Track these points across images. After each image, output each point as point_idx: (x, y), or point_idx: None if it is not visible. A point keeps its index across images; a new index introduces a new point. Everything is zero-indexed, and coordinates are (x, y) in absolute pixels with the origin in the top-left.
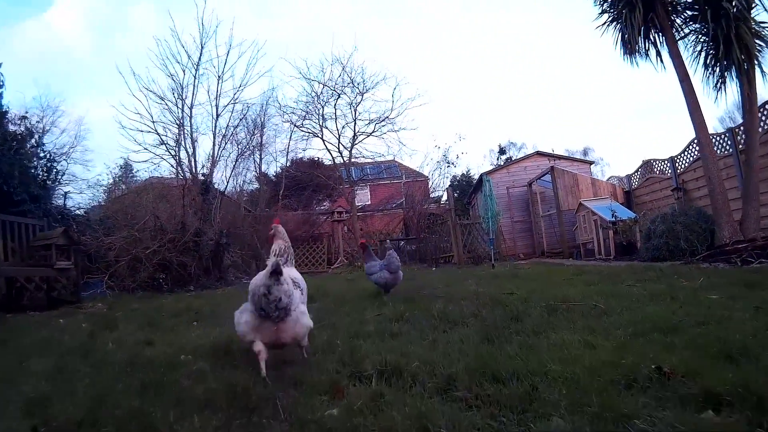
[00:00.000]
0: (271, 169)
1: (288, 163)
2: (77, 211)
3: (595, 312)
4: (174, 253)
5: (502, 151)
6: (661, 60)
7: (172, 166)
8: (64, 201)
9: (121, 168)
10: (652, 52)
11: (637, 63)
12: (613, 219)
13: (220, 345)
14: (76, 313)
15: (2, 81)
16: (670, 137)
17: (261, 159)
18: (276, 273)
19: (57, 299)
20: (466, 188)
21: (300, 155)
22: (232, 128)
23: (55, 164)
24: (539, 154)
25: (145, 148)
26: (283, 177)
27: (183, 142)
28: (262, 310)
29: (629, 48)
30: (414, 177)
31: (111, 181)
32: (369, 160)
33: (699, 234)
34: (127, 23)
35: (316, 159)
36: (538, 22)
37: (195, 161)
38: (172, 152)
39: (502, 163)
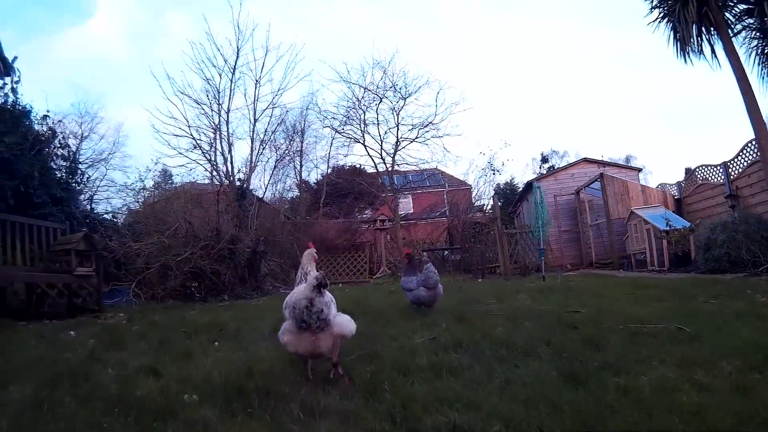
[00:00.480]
0: (312, 176)
1: (329, 170)
2: (105, 216)
3: (683, 337)
4: (207, 261)
5: (544, 160)
6: (716, 57)
7: (207, 170)
8: (90, 204)
9: (160, 174)
10: (707, 49)
11: (691, 61)
12: (668, 228)
13: (236, 380)
14: (91, 324)
15: (18, 76)
16: (713, 145)
17: (301, 166)
18: (320, 287)
19: (79, 307)
20: (510, 197)
21: (341, 162)
22: (270, 133)
23: (79, 165)
24: (586, 161)
25: (179, 153)
26: (324, 184)
27: (219, 147)
28: (303, 322)
29: (683, 44)
30: (457, 185)
31: (141, 185)
32: (412, 168)
33: (761, 243)
34: (166, 30)
35: (358, 166)
36: (580, 29)
37: (232, 166)
38: (208, 156)
39: (545, 172)
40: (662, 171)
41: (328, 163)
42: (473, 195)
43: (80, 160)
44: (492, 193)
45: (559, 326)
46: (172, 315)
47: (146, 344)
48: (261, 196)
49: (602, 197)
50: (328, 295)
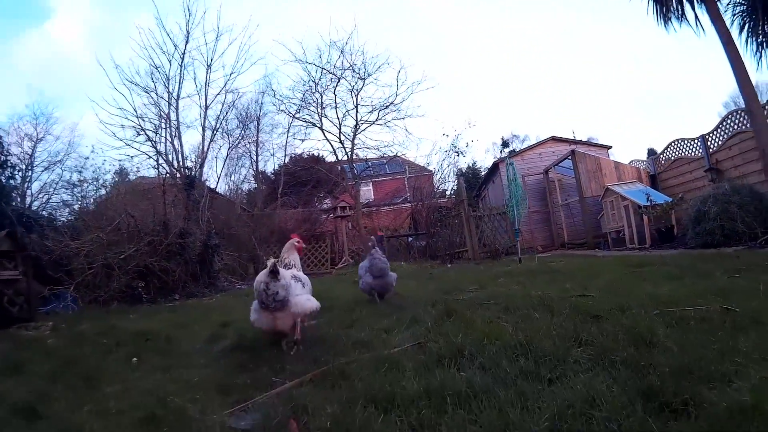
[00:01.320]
0: (269, 166)
1: (286, 159)
2: (44, 213)
3: (740, 321)
4: (155, 258)
5: (505, 144)
6: (700, 23)
7: (152, 158)
8: (23, 201)
9: (115, 173)
10: (690, 13)
11: (673, 27)
12: (649, 203)
13: (144, 419)
14: (7, 337)
15: None
16: (676, 128)
17: (257, 156)
18: (273, 273)
19: (13, 317)
20: (473, 181)
21: (299, 150)
22: (222, 120)
23: (9, 158)
24: (555, 139)
25: (126, 143)
26: (281, 174)
27: (167, 136)
28: (262, 303)
29: (664, 8)
30: (419, 171)
31: (91, 183)
32: (372, 155)
33: (755, 215)
34: (127, 29)
35: (317, 154)
36: (550, 7)
37: (181, 155)
38: (154, 145)
39: (506, 156)
40: (627, 153)
41: (285, 151)
42: (436, 179)
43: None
44: (455, 173)
45: (578, 316)
46: (104, 322)
47: (48, 367)
48: (214, 187)
49: (574, 175)
50: (286, 279)
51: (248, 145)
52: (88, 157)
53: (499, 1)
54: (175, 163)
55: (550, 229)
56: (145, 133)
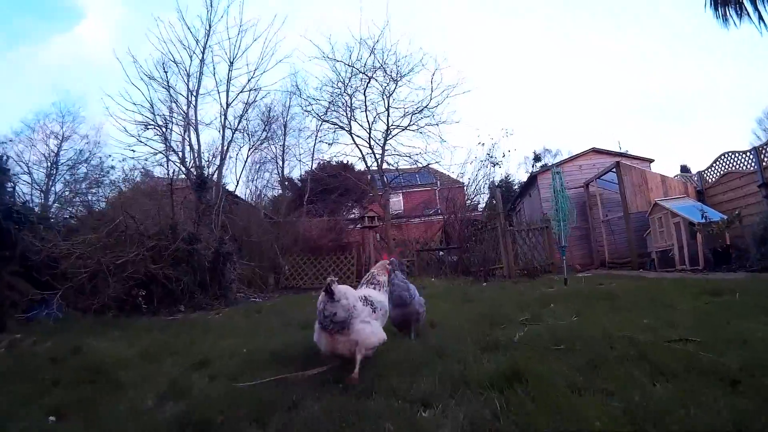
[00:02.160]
0: (295, 173)
1: (314, 166)
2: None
3: None
4: (159, 265)
5: (537, 158)
6: (762, 20)
7: (158, 153)
8: (46, 199)
9: (138, 172)
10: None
11: (734, 22)
12: (703, 220)
13: None
14: None
15: None
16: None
17: (283, 162)
18: (327, 293)
19: None
20: (507, 195)
21: (326, 156)
22: (245, 120)
23: None
24: (595, 151)
25: (139, 140)
26: (308, 180)
27: (186, 136)
28: (320, 323)
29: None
30: (450, 184)
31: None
32: (404, 163)
33: None
34: (152, 29)
35: (346, 162)
36: (589, 20)
37: (198, 155)
38: (167, 142)
39: (547, 165)
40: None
41: (312, 157)
42: (469, 191)
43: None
44: (488, 186)
45: (706, 381)
46: (75, 340)
47: None
48: (233, 190)
49: (618, 189)
50: (349, 300)
51: (273, 149)
52: (101, 156)
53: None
54: (189, 162)
55: (589, 246)
56: (156, 127)
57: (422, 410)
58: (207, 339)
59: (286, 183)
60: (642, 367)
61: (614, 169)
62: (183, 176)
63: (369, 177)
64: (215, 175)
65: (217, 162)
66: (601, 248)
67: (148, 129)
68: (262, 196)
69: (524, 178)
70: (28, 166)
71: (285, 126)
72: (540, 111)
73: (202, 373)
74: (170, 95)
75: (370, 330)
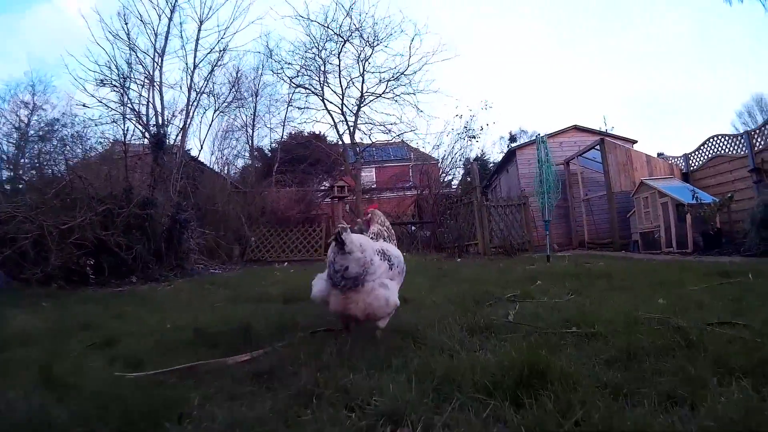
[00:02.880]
0: (266, 142)
1: (285, 136)
2: None
3: None
4: (111, 231)
5: (513, 139)
6: None
7: (110, 109)
8: (16, 171)
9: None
10: None
11: None
12: (695, 202)
13: None
14: None
15: None
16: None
17: (254, 130)
18: (338, 242)
19: None
20: (482, 172)
21: (297, 123)
22: (210, 81)
23: None
24: (577, 128)
25: (100, 101)
26: (278, 150)
27: (144, 93)
28: (330, 278)
29: None
30: (424, 159)
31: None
32: (377, 134)
33: None
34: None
35: (318, 132)
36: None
37: (162, 117)
38: (125, 101)
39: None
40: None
41: (283, 126)
42: (444, 166)
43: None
44: (462, 163)
45: None
46: None
47: None
48: (197, 156)
49: (602, 168)
50: (366, 253)
51: (243, 117)
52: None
53: None
54: (153, 122)
55: (568, 225)
56: (112, 84)
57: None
58: (138, 312)
59: (256, 153)
60: (695, 359)
61: (597, 147)
62: (141, 138)
63: (342, 150)
64: (178, 138)
65: (178, 123)
66: (580, 228)
67: (104, 85)
68: (230, 164)
69: (499, 158)
70: None
71: (256, 94)
72: (520, 89)
73: (102, 355)
74: (134, 54)
75: (386, 291)
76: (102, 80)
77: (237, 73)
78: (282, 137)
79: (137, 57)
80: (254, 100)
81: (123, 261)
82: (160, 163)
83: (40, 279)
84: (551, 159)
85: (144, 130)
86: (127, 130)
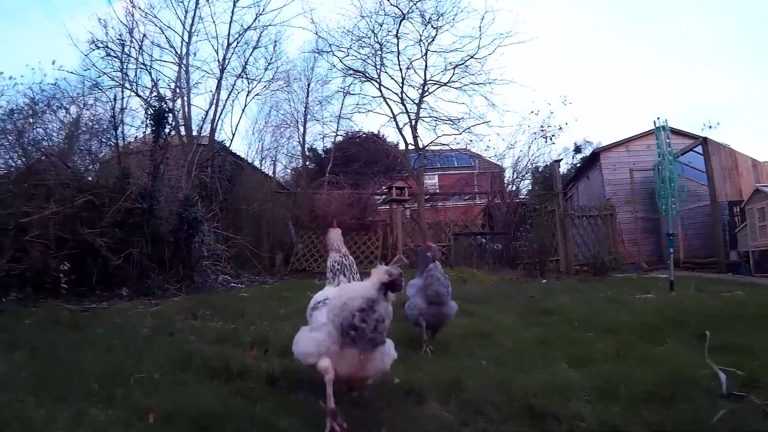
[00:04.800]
0: (318, 142)
1: (338, 133)
2: None
3: None
4: (98, 229)
5: (577, 150)
6: None
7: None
8: None
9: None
10: None
11: None
12: None
13: None
14: None
15: None
16: None
17: (305, 128)
18: (391, 286)
19: None
20: (550, 182)
21: (350, 112)
22: (246, 62)
23: None
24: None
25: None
26: (332, 149)
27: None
28: (353, 330)
29: None
30: (490, 167)
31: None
32: (443, 129)
33: None
34: None
35: (376, 133)
36: None
37: (188, 103)
38: (123, 67)
39: (578, 163)
40: None
41: (338, 123)
42: (518, 168)
43: None
44: (532, 169)
45: None
46: None
47: None
48: (228, 146)
49: (706, 172)
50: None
51: (293, 112)
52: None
53: None
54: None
55: (657, 241)
56: (106, 47)
57: None
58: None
59: (308, 153)
60: None
61: (696, 149)
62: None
63: (400, 146)
64: (206, 125)
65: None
66: (674, 245)
67: (98, 47)
68: (277, 162)
69: (589, 153)
70: None
71: (308, 88)
72: (586, 92)
73: None
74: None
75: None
76: (95, 42)
77: (274, 47)
78: (336, 133)
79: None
80: (305, 96)
81: (118, 268)
82: (162, 145)
83: None
84: (674, 161)
85: (146, 106)
86: (126, 104)
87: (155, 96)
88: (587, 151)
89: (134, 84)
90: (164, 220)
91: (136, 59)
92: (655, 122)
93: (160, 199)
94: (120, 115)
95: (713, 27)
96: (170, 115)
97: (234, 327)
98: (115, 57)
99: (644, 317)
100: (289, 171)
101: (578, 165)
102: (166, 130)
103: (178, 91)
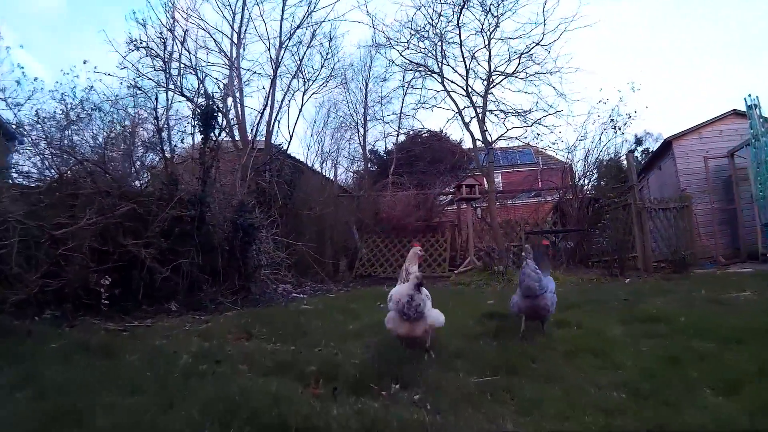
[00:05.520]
0: (380, 144)
1: (400, 131)
2: None
3: None
4: (144, 239)
5: (638, 142)
6: None
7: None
8: None
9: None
10: None
11: None
12: None
13: None
14: None
15: None
16: None
17: (366, 130)
18: (419, 286)
19: None
20: (617, 174)
21: (413, 110)
22: (302, 61)
23: None
24: (737, 113)
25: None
26: (395, 150)
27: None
28: (404, 314)
29: None
30: (554, 164)
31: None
32: (512, 122)
33: None
34: None
35: (439, 131)
36: None
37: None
38: (166, 67)
39: (639, 156)
40: None
41: (399, 120)
42: (590, 160)
43: None
44: (611, 156)
45: None
46: None
47: None
48: (286, 148)
49: None
50: (425, 292)
51: (353, 114)
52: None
53: None
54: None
55: (733, 233)
56: (147, 47)
57: None
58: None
59: (369, 155)
60: None
61: None
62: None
63: (464, 143)
64: (259, 128)
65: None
66: (752, 236)
67: (137, 48)
68: (338, 165)
69: (661, 143)
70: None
71: (366, 86)
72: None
73: None
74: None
75: (436, 312)
76: (133, 40)
77: (330, 42)
78: (398, 131)
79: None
80: (365, 91)
81: (167, 281)
82: (212, 147)
83: (21, 302)
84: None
85: (194, 107)
86: (171, 104)
87: (202, 95)
88: (648, 144)
89: (178, 86)
90: (218, 228)
91: (179, 59)
92: (746, 100)
93: (212, 205)
94: (165, 117)
95: None
96: (219, 115)
97: (294, 349)
98: (156, 57)
99: (759, 321)
100: (350, 174)
101: (647, 155)
102: (216, 132)
103: (228, 91)
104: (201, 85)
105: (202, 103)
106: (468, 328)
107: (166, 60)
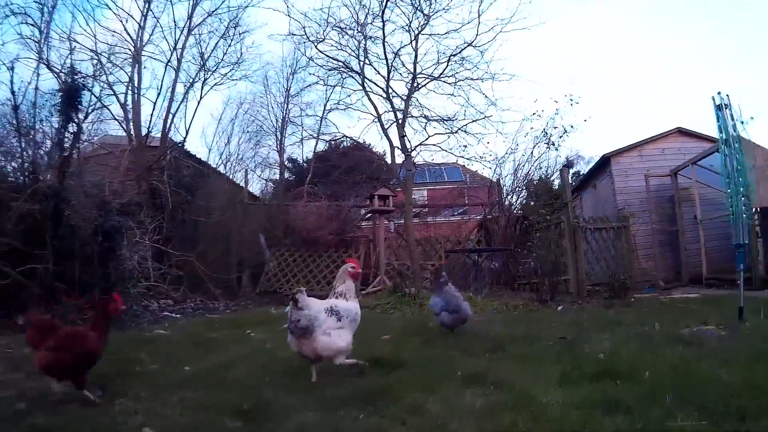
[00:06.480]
0: (297, 154)
1: (319, 142)
2: None
3: None
4: None
5: (569, 164)
6: None
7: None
8: None
9: None
10: None
11: None
12: None
13: None
14: None
15: None
16: None
17: (283, 136)
18: (293, 301)
19: None
20: (549, 192)
21: (333, 127)
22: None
23: None
24: (681, 132)
25: None
26: (312, 159)
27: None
28: (289, 329)
29: None
30: (481, 183)
31: None
32: (435, 128)
33: None
34: None
35: (361, 141)
36: None
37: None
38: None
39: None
40: None
41: (319, 129)
42: (519, 175)
43: None
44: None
45: None
46: None
47: None
48: (182, 144)
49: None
50: (312, 310)
51: (271, 117)
52: None
53: None
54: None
55: (675, 255)
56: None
57: None
58: None
59: (288, 164)
60: None
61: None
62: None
63: (387, 156)
64: (153, 120)
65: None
66: (694, 259)
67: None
68: (249, 171)
69: (599, 158)
70: None
71: (288, 92)
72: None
73: None
74: None
75: (329, 339)
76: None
77: (235, 29)
78: (317, 137)
79: None
80: (285, 101)
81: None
82: (69, 129)
83: None
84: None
85: (58, 77)
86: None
87: (68, 69)
88: (579, 167)
89: (45, 59)
90: (81, 230)
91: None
92: (713, 99)
93: (75, 202)
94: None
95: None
96: (87, 93)
97: (87, 409)
98: (32, 25)
99: (758, 375)
100: (264, 181)
101: (578, 177)
102: (80, 115)
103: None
104: (69, 57)
105: (68, 79)
106: (322, 388)
107: (42, 29)
